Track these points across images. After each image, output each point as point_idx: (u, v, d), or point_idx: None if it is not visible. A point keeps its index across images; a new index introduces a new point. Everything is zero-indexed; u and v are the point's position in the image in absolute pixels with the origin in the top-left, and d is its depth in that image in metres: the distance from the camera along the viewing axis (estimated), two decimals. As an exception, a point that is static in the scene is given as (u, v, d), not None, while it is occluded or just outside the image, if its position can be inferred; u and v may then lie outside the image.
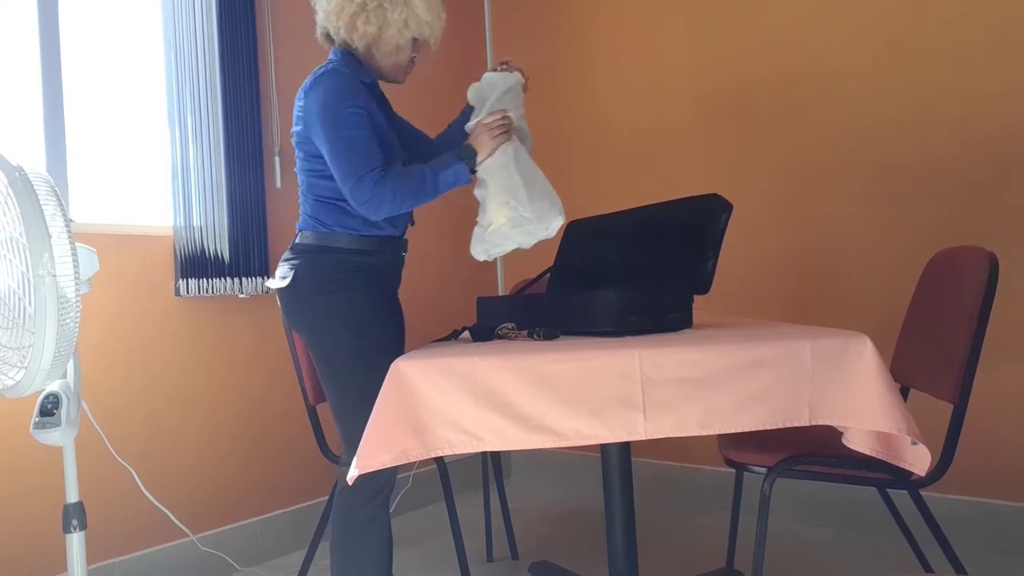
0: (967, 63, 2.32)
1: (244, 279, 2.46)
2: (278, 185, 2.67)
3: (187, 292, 2.33)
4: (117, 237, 2.23)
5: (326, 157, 1.63)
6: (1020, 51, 2.23)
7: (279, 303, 1.74)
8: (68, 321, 1.33)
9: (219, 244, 2.41)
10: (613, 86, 3.20)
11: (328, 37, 1.75)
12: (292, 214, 2.71)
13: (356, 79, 1.66)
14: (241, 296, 2.52)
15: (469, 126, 1.77)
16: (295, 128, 1.70)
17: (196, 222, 2.37)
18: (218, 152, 2.42)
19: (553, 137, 3.42)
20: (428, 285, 3.18)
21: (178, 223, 2.34)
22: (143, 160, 2.42)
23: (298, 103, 1.67)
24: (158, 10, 2.36)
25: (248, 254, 2.47)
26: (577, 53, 3.33)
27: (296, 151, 1.72)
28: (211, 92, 2.41)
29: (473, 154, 1.67)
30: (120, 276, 2.23)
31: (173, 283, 2.35)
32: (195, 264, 2.35)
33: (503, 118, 1.69)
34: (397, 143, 1.74)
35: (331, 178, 1.66)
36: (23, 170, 1.30)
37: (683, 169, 2.98)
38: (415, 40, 1.73)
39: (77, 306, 1.35)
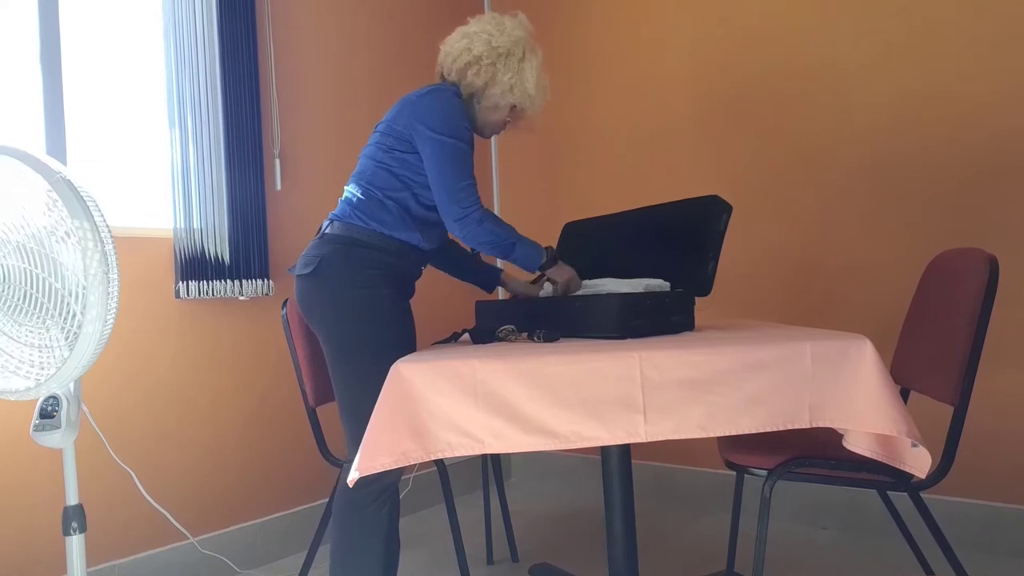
0: (968, 63, 2.32)
1: (244, 281, 2.46)
2: (278, 187, 2.67)
3: (187, 294, 2.33)
4: (117, 239, 2.23)
5: (430, 156, 1.68)
6: (1021, 52, 2.23)
7: (296, 291, 1.74)
8: (110, 319, 1.38)
9: (219, 246, 2.41)
10: (611, 85, 3.20)
11: (441, 76, 1.89)
12: (292, 216, 2.71)
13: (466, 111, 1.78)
14: (241, 298, 2.52)
15: (546, 289, 1.90)
16: (390, 117, 1.75)
17: (196, 224, 2.37)
18: (218, 153, 2.42)
19: (550, 136, 3.42)
20: (428, 288, 3.18)
21: (178, 225, 2.34)
22: (143, 161, 2.42)
23: (410, 97, 1.74)
24: (158, 10, 2.37)
25: (248, 256, 2.47)
26: (574, 51, 3.33)
27: (377, 137, 1.76)
28: (211, 93, 2.41)
29: (552, 264, 1.75)
30: (120, 278, 2.23)
31: (173, 285, 2.35)
32: (195, 266, 2.35)
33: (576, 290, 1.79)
34: None
35: (399, 177, 1.71)
36: (63, 174, 1.34)
37: (682, 169, 2.98)
38: (514, 107, 1.85)
39: (115, 308, 1.39)
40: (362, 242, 1.70)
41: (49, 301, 1.33)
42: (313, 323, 1.72)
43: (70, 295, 1.33)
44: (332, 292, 1.67)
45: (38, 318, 1.34)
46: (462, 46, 1.79)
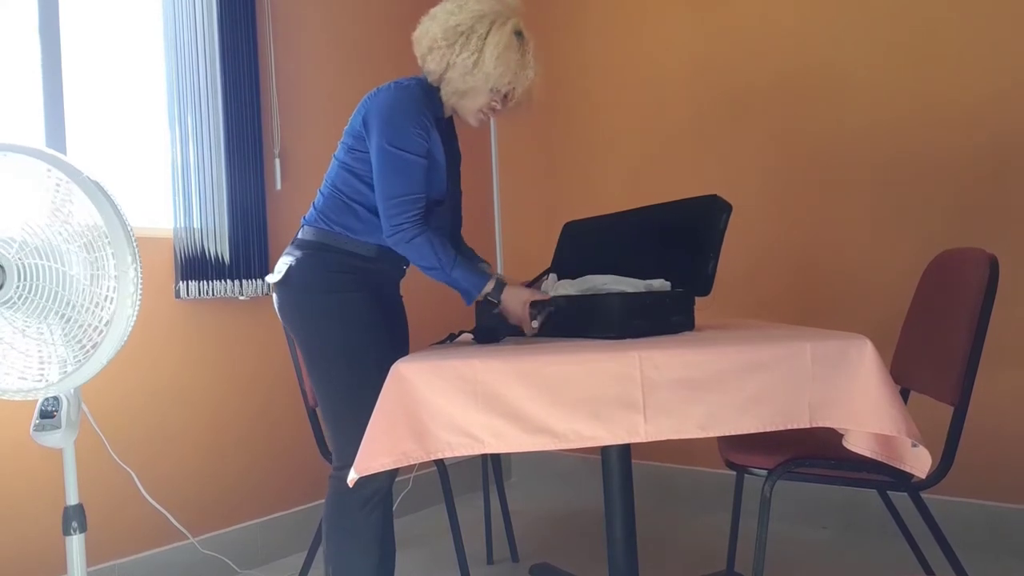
0: (967, 63, 2.32)
1: (244, 281, 2.46)
2: (278, 186, 2.67)
3: (187, 294, 2.33)
4: (117, 239, 2.23)
5: (373, 164, 1.62)
6: (1021, 51, 2.23)
7: (273, 299, 1.73)
8: (135, 312, 1.42)
9: (219, 246, 2.41)
10: (610, 85, 3.20)
11: None
12: (292, 215, 2.71)
13: (424, 104, 1.64)
14: (241, 298, 2.52)
15: (546, 285, 1.73)
16: (353, 117, 1.69)
17: (196, 224, 2.37)
18: (218, 153, 2.42)
19: (550, 137, 3.42)
20: (426, 287, 3.18)
21: (178, 225, 2.34)
22: (143, 161, 2.42)
23: (371, 92, 1.68)
24: (159, 10, 2.37)
25: (248, 256, 2.47)
26: (575, 53, 3.33)
27: (343, 137, 1.71)
28: (211, 92, 2.41)
29: (495, 304, 1.62)
30: (120, 278, 2.23)
31: (173, 285, 2.35)
32: (195, 266, 2.35)
33: (535, 327, 1.61)
34: (445, 183, 1.73)
35: (361, 178, 1.66)
36: (86, 173, 1.37)
37: (681, 170, 2.98)
38: (493, 89, 1.67)
39: (138, 302, 1.42)
40: (329, 246, 1.67)
41: (76, 297, 1.35)
42: (290, 329, 1.71)
43: (99, 290, 1.34)
44: (302, 299, 1.66)
45: (60, 316, 1.35)
46: (423, 30, 1.69)
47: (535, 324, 1.57)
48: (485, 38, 1.61)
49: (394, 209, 1.60)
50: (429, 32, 1.66)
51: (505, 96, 1.71)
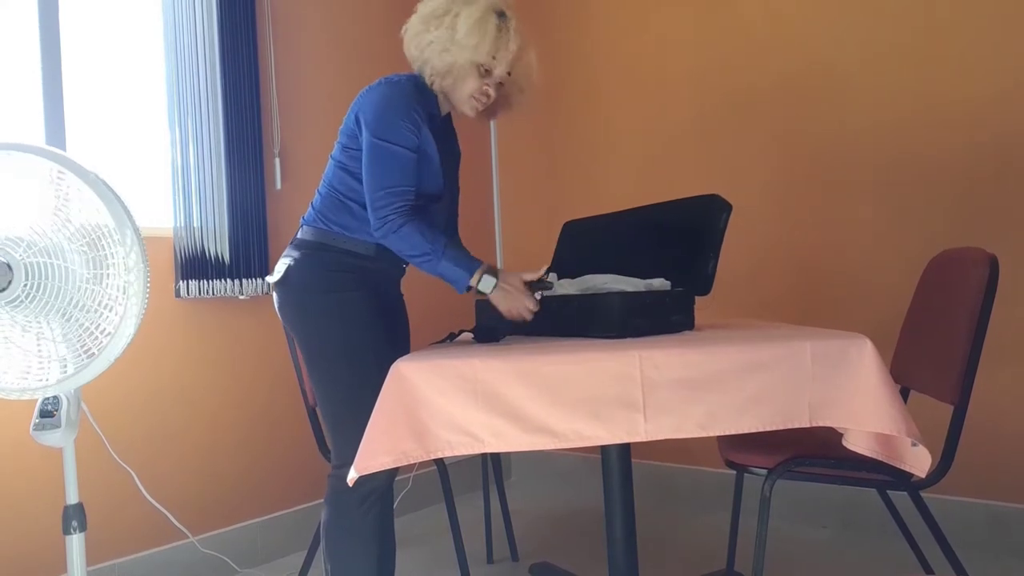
0: (969, 64, 2.32)
1: (244, 280, 2.46)
2: (278, 186, 2.67)
3: (187, 293, 2.33)
4: (117, 238, 2.23)
5: (363, 158, 1.62)
6: (1022, 52, 2.23)
7: (273, 298, 1.74)
8: (143, 309, 1.42)
9: (219, 245, 2.41)
10: (612, 84, 3.20)
11: None
12: (292, 215, 2.71)
13: (415, 100, 1.63)
14: (241, 297, 2.52)
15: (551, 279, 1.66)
16: (347, 116, 1.70)
17: (196, 223, 2.37)
18: (218, 153, 2.42)
19: (551, 137, 3.42)
20: (427, 285, 3.18)
21: (178, 224, 2.34)
22: (143, 161, 2.42)
23: (363, 90, 1.69)
24: (158, 11, 2.37)
25: (248, 255, 2.47)
26: (577, 53, 3.33)
27: (339, 136, 1.72)
28: (211, 93, 2.41)
29: (486, 292, 1.58)
30: (120, 277, 2.23)
31: (173, 284, 2.35)
32: (195, 265, 2.35)
33: (527, 317, 1.57)
34: (440, 179, 1.71)
35: (356, 176, 1.66)
36: (96, 174, 1.38)
37: (683, 170, 2.98)
38: (481, 70, 1.64)
39: (142, 306, 1.42)
40: (327, 246, 1.67)
41: (82, 297, 1.36)
42: (290, 329, 1.71)
43: (107, 292, 1.36)
44: (301, 298, 1.65)
45: (64, 315, 1.36)
46: (407, 25, 1.70)
47: (537, 296, 1.56)
48: (456, 16, 1.62)
49: (381, 201, 1.58)
50: (411, 24, 1.70)
51: (500, 83, 1.70)
